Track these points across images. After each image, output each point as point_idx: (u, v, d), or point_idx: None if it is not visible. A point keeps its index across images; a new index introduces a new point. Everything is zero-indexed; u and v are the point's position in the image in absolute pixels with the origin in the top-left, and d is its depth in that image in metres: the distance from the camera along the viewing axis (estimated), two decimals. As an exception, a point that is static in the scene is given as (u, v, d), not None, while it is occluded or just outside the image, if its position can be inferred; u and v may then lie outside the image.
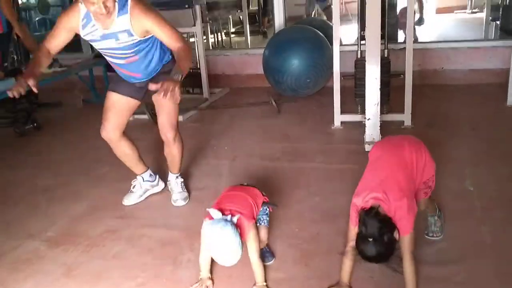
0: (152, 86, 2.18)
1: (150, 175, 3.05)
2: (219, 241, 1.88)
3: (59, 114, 5.21)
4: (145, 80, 2.67)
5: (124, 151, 2.86)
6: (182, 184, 3.02)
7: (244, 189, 2.24)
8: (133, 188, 3.03)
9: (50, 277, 2.32)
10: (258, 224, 2.19)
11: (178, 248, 2.47)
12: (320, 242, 2.42)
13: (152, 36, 2.51)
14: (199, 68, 5.22)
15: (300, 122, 4.36)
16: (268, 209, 2.27)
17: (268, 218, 2.27)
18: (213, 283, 2.16)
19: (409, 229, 1.83)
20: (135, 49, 2.50)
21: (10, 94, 2.28)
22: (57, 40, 2.50)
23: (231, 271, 2.14)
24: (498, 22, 5.88)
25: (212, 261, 2.09)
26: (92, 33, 2.45)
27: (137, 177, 3.01)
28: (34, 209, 3.04)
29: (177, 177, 3.00)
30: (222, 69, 5.96)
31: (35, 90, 2.30)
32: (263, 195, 2.26)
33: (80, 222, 2.83)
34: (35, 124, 4.58)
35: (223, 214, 1.97)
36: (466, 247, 2.26)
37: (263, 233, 2.25)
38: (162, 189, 3.11)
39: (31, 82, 2.26)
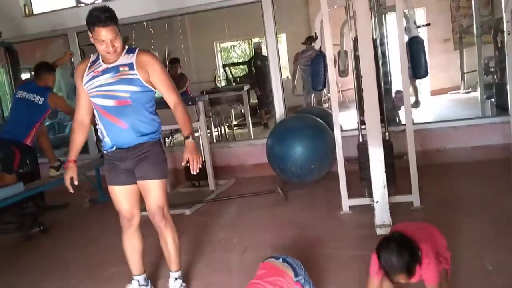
0: (183, 163, 2.60)
1: (145, 279, 2.97)
2: None
3: (65, 216, 5.20)
4: (129, 143, 2.68)
5: (136, 243, 2.87)
6: (182, 287, 2.90)
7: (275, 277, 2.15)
8: None
9: None
10: None
11: None
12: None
13: (150, 93, 2.67)
14: (204, 161, 5.28)
15: (308, 208, 4.33)
16: None
17: None
18: None
19: (436, 277, 1.97)
20: (131, 88, 2.59)
21: (71, 191, 2.78)
22: (82, 105, 2.75)
23: None
24: (493, 100, 6.04)
25: None
26: (94, 70, 2.62)
27: (133, 281, 2.93)
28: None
29: (176, 278, 2.89)
30: (227, 161, 6.04)
31: (76, 182, 2.76)
32: (296, 281, 2.19)
33: (87, 328, 2.71)
34: (41, 228, 4.55)
35: None
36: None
37: None
38: None
39: (74, 175, 2.76)
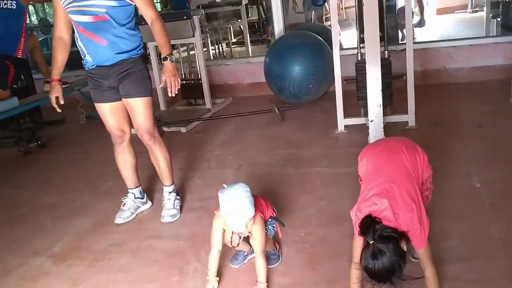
0: (160, 85, 2.57)
1: (140, 192, 3.05)
2: (232, 195, 1.98)
3: (63, 131, 5.23)
4: (110, 61, 2.62)
5: (128, 158, 2.92)
6: (176, 201, 2.95)
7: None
8: (123, 206, 2.99)
9: (56, 293, 2.30)
10: None
11: (184, 259, 2.44)
12: (327, 246, 2.38)
13: (128, 8, 2.56)
14: (200, 79, 5.22)
15: (304, 128, 4.33)
16: (274, 224, 2.24)
17: (273, 231, 2.24)
18: (218, 284, 2.14)
19: (424, 241, 1.75)
20: (107, 3, 2.48)
21: (58, 110, 2.72)
22: (60, 21, 2.63)
23: (238, 278, 2.12)
24: (499, 19, 5.84)
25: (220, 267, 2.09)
26: None
27: (128, 194, 3.00)
28: (39, 226, 3.04)
29: (170, 192, 2.94)
30: (224, 79, 5.97)
31: (61, 101, 2.69)
32: (272, 210, 2.24)
33: (85, 238, 2.82)
34: (39, 142, 4.60)
35: None
36: (477, 244, 2.22)
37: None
38: (150, 206, 3.10)
39: (59, 96, 2.68)
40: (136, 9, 2.62)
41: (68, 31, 2.67)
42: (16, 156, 4.50)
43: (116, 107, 2.76)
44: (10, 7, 4.46)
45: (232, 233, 2.08)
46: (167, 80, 2.51)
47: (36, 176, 3.98)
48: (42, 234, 2.92)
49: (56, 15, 2.64)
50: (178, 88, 2.54)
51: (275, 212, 2.25)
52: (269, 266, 2.20)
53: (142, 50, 2.73)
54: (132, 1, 2.56)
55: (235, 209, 1.96)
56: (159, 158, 2.86)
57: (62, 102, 2.70)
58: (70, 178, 3.83)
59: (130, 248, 2.63)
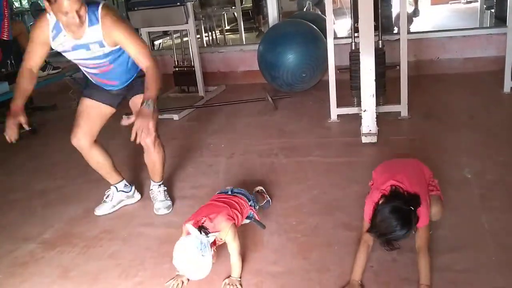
0: (124, 122, 2.28)
1: (125, 185, 2.95)
2: (184, 258, 1.88)
3: (54, 117, 5.18)
4: (121, 87, 2.66)
5: (97, 160, 2.78)
6: (165, 192, 2.89)
7: (228, 201, 2.22)
8: (106, 198, 2.92)
9: (47, 280, 2.29)
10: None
11: (175, 246, 2.44)
12: (318, 235, 2.39)
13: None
14: (193, 66, 5.18)
15: (297, 117, 4.33)
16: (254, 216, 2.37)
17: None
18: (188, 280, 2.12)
19: (427, 218, 1.93)
20: (108, 58, 2.48)
21: (8, 140, 2.41)
22: (35, 56, 2.48)
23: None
24: (492, 11, 5.85)
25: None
26: (62, 44, 2.40)
27: (111, 187, 2.92)
28: (30, 213, 3.02)
29: (159, 185, 2.87)
30: (217, 67, 5.93)
31: (26, 127, 2.43)
32: (250, 205, 2.32)
33: (76, 224, 2.80)
34: (30, 128, 4.54)
35: (200, 226, 1.96)
36: (466, 235, 2.24)
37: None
38: (138, 200, 3.02)
39: (22, 120, 2.39)
40: None
41: (40, 65, 2.54)
42: (6, 142, 4.44)
43: (100, 111, 2.68)
44: None
45: None
46: (137, 125, 2.22)
47: (27, 162, 3.96)
48: (32, 220, 2.91)
49: (33, 47, 2.46)
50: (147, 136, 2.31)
51: (254, 208, 2.37)
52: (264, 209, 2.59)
53: None
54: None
55: (184, 268, 1.93)
56: (154, 159, 2.73)
57: (27, 128, 2.51)
58: (62, 164, 3.80)
59: (122, 235, 2.62)
